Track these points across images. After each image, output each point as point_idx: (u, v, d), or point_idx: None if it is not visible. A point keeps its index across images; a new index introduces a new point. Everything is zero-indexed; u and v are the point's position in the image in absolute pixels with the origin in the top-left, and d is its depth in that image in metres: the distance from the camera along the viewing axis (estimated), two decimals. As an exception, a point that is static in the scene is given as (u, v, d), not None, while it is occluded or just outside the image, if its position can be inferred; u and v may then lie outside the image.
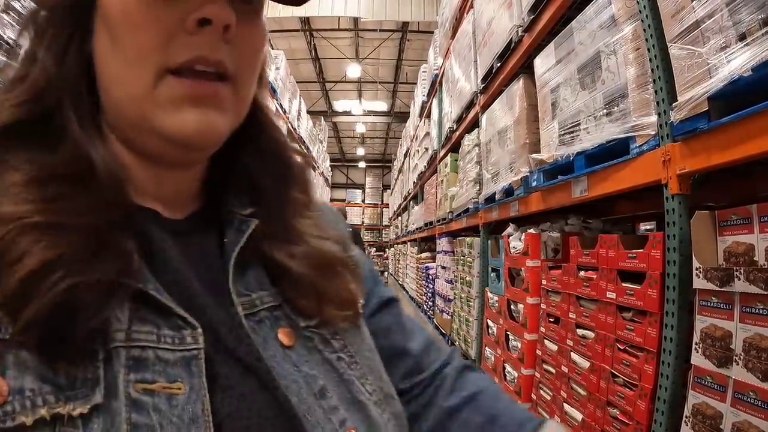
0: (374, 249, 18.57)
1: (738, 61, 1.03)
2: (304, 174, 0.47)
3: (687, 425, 1.19)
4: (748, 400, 1.01)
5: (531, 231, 2.51)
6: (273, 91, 6.74)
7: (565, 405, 1.94)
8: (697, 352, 1.19)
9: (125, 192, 0.34)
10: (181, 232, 0.39)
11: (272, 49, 7.51)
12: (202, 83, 0.34)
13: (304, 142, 9.72)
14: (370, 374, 0.39)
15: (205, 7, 0.32)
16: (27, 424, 0.23)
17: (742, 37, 1.03)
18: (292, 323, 0.38)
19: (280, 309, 0.38)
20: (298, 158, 0.48)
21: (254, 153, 0.44)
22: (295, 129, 8.77)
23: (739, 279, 1.05)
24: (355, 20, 10.64)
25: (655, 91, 1.40)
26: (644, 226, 2.92)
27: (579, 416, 1.78)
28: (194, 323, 0.32)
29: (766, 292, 0.99)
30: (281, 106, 7.36)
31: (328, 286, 0.40)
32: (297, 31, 11.21)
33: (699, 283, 1.18)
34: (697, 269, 1.18)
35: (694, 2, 1.15)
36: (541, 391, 2.23)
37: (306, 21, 10.92)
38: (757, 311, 1.02)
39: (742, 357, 1.05)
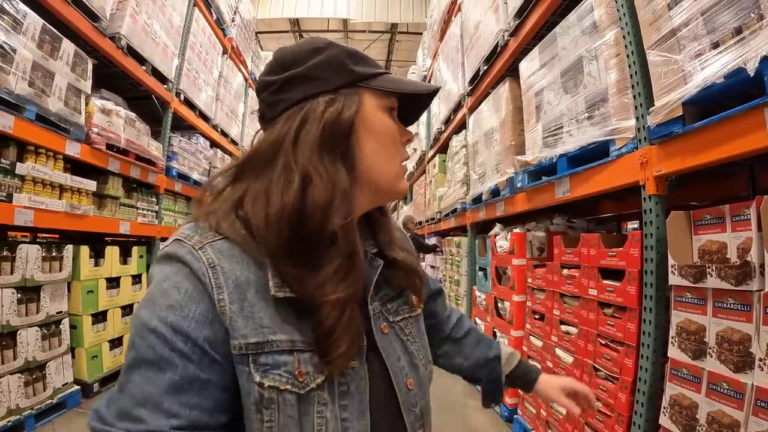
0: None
1: (712, 69, 1.08)
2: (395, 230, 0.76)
3: (665, 416, 1.24)
4: (722, 390, 1.06)
5: (517, 230, 2.56)
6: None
7: (550, 400, 1.98)
8: (674, 345, 1.24)
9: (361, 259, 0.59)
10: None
11: (261, 50, 7.48)
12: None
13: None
14: (422, 348, 0.66)
15: (409, 134, 0.65)
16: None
17: (715, 45, 1.08)
18: (386, 320, 0.63)
19: (384, 307, 0.64)
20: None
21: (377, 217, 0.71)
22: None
23: (711, 275, 1.10)
24: (345, 21, 10.65)
25: (634, 96, 1.45)
26: (630, 225, 2.99)
27: (563, 409, 1.83)
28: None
29: (736, 288, 1.04)
30: (270, 106, 7.32)
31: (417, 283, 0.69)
32: (286, 32, 11.17)
33: (674, 279, 1.23)
34: (672, 266, 1.24)
35: (671, 11, 1.20)
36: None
37: (295, 22, 10.90)
38: (728, 306, 1.07)
39: (715, 349, 1.10)
